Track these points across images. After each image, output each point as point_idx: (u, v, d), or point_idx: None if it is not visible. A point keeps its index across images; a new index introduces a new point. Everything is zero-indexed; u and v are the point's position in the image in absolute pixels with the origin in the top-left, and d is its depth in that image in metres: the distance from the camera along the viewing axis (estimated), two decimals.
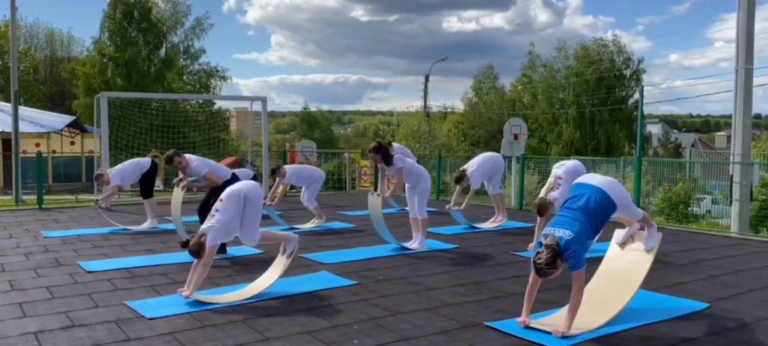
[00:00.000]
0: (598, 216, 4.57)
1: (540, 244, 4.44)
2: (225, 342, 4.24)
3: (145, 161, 9.80)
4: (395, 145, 11.24)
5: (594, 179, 4.87)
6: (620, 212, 4.89)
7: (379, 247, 7.70)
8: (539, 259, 4.30)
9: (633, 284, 4.88)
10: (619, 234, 5.37)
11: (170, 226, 9.41)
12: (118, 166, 9.77)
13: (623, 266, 5.12)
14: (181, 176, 7.80)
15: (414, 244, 7.74)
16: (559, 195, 7.30)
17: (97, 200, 9.27)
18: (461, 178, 9.47)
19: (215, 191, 7.41)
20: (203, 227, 5.38)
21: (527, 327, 4.51)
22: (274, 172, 9.88)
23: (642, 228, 5.18)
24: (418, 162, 11.23)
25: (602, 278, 5.15)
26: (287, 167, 10.09)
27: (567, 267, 4.39)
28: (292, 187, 10.76)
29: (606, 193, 4.65)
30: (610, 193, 4.66)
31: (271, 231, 6.07)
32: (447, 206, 9.64)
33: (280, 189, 9.97)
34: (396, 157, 7.56)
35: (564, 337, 4.31)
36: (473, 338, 4.39)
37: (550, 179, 7.70)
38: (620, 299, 4.80)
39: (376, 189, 8.08)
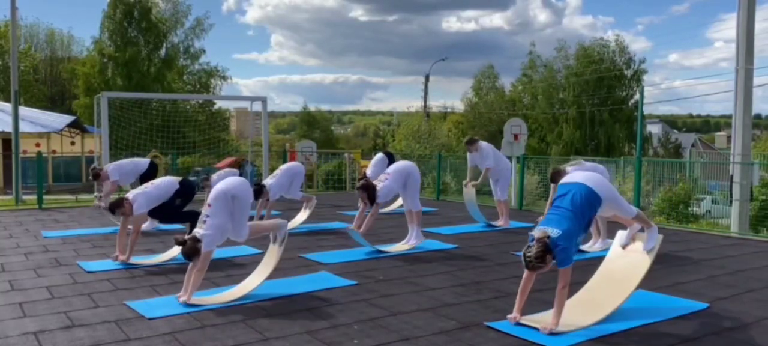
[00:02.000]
0: (585, 212, 4.60)
1: (532, 238, 4.46)
2: (225, 342, 4.24)
3: (144, 162, 9.75)
4: (372, 160, 11.32)
5: (577, 176, 4.91)
6: (608, 206, 4.86)
7: (379, 247, 7.70)
8: (529, 252, 4.36)
9: (629, 286, 4.90)
10: (621, 235, 5.37)
11: (169, 226, 9.41)
12: (117, 163, 9.68)
13: (622, 267, 5.13)
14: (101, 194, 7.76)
15: (410, 240, 7.78)
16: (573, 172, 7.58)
17: (100, 197, 9.09)
18: (473, 141, 9.54)
19: (163, 206, 7.40)
20: (197, 232, 5.28)
21: (518, 323, 4.56)
22: (258, 193, 9.22)
23: (642, 229, 5.18)
24: (392, 158, 11.25)
25: (601, 278, 5.17)
26: (267, 183, 9.64)
27: (554, 265, 4.42)
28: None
29: (589, 187, 4.68)
30: (593, 187, 4.69)
31: (259, 223, 6.04)
32: (465, 182, 9.73)
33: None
34: (379, 193, 7.55)
35: (552, 334, 4.36)
36: (473, 338, 4.39)
37: (574, 162, 8.08)
38: (615, 299, 4.84)
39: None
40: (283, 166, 10.08)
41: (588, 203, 4.63)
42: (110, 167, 9.47)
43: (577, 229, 4.54)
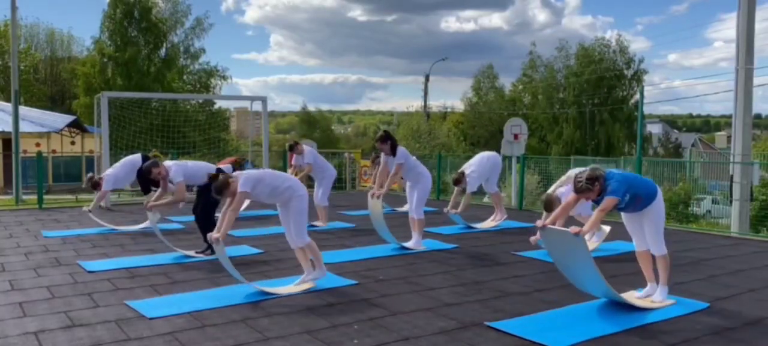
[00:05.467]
0: (644, 188, 5.04)
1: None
2: (225, 342, 4.24)
3: (137, 159, 9.75)
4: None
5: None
6: (649, 217, 5.11)
7: (379, 247, 7.70)
8: (581, 175, 4.85)
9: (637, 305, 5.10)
10: (634, 293, 5.48)
11: (171, 226, 9.43)
12: (111, 171, 9.73)
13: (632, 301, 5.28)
14: (154, 195, 7.87)
15: (411, 243, 7.75)
16: (567, 192, 7.27)
17: (90, 211, 9.27)
18: (459, 180, 9.47)
19: (205, 190, 7.42)
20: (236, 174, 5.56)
21: (544, 227, 4.87)
22: (292, 148, 9.88)
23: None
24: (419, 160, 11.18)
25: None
26: (307, 148, 9.90)
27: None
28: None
29: (656, 186, 5.19)
30: (658, 190, 5.17)
31: (317, 249, 5.88)
32: (445, 210, 9.61)
33: (302, 172, 9.79)
34: (400, 151, 7.63)
35: (576, 234, 4.63)
36: (473, 338, 4.39)
37: (563, 178, 7.71)
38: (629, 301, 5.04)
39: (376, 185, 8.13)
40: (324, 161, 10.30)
41: (645, 189, 5.07)
42: (106, 176, 9.61)
43: (632, 188, 4.91)
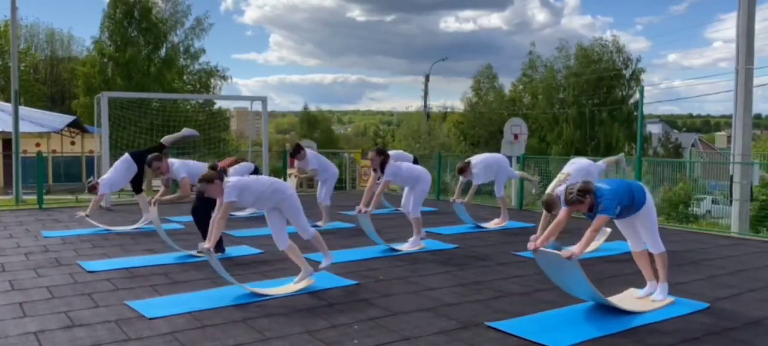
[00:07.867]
0: (632, 196, 4.96)
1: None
2: (225, 342, 4.24)
3: (127, 160, 9.79)
4: (392, 152, 11.17)
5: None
6: (642, 219, 5.13)
7: (379, 247, 7.69)
8: (573, 188, 4.82)
9: (636, 307, 5.07)
10: (634, 291, 5.49)
11: (171, 226, 9.42)
12: (106, 176, 9.75)
13: (631, 302, 5.25)
14: (158, 193, 8.18)
15: (410, 246, 7.73)
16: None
17: (87, 215, 9.29)
18: (464, 169, 9.45)
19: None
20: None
21: (536, 250, 4.76)
22: (295, 153, 9.67)
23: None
24: (417, 162, 11.12)
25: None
26: (309, 152, 9.86)
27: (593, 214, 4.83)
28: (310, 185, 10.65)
29: (643, 188, 5.15)
30: (646, 191, 5.15)
31: (321, 239, 6.19)
32: (452, 199, 9.64)
33: (299, 174, 9.98)
34: (390, 167, 7.51)
35: (571, 257, 4.60)
36: (473, 338, 4.39)
37: (560, 175, 7.74)
38: (626, 305, 5.00)
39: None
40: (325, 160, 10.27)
41: (637, 194, 5.00)
42: (102, 181, 9.60)
43: (623, 199, 4.87)
